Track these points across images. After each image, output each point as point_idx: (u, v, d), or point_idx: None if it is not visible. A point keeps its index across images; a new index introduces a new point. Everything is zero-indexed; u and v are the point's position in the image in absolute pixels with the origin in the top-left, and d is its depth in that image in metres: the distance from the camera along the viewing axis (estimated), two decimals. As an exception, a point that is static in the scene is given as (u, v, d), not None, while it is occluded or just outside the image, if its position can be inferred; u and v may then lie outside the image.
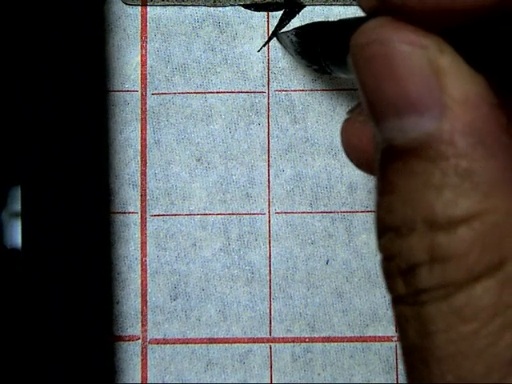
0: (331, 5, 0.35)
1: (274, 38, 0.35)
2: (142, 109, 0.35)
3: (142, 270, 0.35)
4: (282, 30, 0.34)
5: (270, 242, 0.35)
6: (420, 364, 0.18)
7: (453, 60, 0.18)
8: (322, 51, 0.29)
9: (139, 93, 0.35)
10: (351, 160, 0.27)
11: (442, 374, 0.18)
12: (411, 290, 0.18)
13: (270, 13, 0.35)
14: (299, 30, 0.32)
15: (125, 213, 0.35)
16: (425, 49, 0.18)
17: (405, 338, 0.19)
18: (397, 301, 0.19)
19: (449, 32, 0.18)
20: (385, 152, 0.19)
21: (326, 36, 0.29)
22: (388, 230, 0.19)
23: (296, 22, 0.35)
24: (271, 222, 0.35)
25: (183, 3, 0.35)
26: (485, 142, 0.17)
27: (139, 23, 0.35)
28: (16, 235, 0.34)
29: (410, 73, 0.18)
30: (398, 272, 0.19)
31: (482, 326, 0.17)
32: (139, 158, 0.35)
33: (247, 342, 0.35)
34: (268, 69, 0.35)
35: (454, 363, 0.18)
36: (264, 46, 0.35)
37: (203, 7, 0.35)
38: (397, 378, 0.35)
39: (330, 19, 0.35)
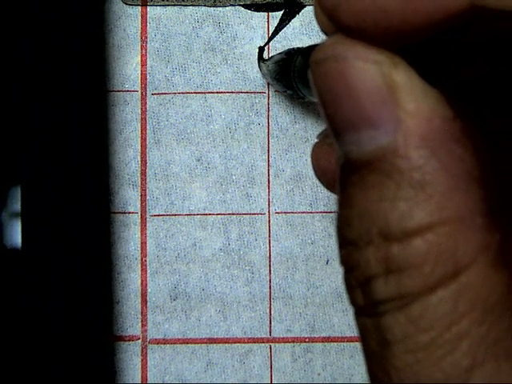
0: (331, 5, 0.35)
1: (275, 39, 0.35)
2: (141, 109, 0.35)
3: (141, 270, 0.35)
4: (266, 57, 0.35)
5: (269, 242, 0.35)
6: (380, 373, 0.19)
7: (406, 74, 0.18)
8: (293, 76, 0.30)
9: (139, 93, 0.35)
10: (321, 182, 0.28)
11: (401, 383, 0.18)
12: (369, 302, 0.19)
13: (270, 13, 0.36)
14: (277, 57, 0.33)
15: (125, 213, 0.35)
16: (379, 64, 0.18)
17: (366, 348, 0.19)
18: (357, 312, 0.19)
19: (403, 48, 0.18)
20: (343, 166, 0.19)
21: (296, 61, 0.30)
22: (347, 242, 0.19)
23: (296, 22, 0.35)
24: (271, 221, 0.35)
25: (183, 3, 0.35)
26: (438, 154, 0.18)
27: (139, 23, 0.35)
28: (16, 235, 0.34)
29: (364, 88, 0.18)
30: (357, 284, 0.19)
31: (438, 336, 0.18)
32: (139, 158, 0.35)
33: (247, 342, 0.35)
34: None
35: (413, 372, 0.18)
36: (265, 45, 0.35)
37: (203, 7, 0.35)
38: (397, 378, 0.35)
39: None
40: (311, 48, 0.25)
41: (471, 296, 0.18)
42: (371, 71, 0.18)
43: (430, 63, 0.20)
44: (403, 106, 0.18)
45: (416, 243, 0.18)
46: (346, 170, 0.19)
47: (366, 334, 0.19)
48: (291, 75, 0.30)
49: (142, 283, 0.35)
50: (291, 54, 0.32)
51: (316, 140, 0.28)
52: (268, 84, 0.35)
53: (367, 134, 0.18)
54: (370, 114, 0.18)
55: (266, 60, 0.34)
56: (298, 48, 0.33)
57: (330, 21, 0.19)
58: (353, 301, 0.19)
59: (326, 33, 0.20)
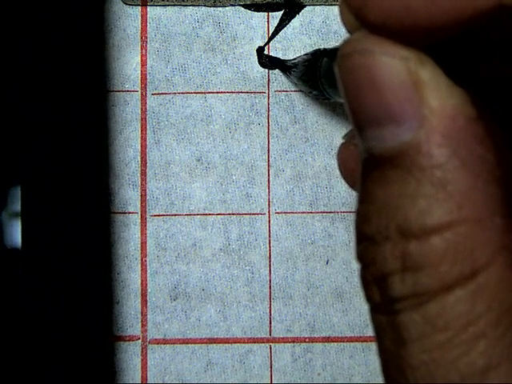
0: (331, 5, 0.35)
1: (275, 39, 0.35)
2: (142, 109, 0.35)
3: (142, 270, 0.35)
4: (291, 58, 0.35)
5: (269, 242, 0.35)
6: (395, 372, 0.18)
7: (433, 72, 0.18)
8: (319, 76, 0.30)
9: (139, 93, 0.35)
10: (347, 182, 0.28)
11: (416, 382, 0.18)
12: (385, 299, 0.19)
13: (270, 13, 0.36)
14: (302, 58, 0.33)
15: (125, 213, 0.35)
16: (405, 60, 0.18)
17: (381, 346, 0.19)
18: (373, 309, 0.19)
19: (429, 46, 0.19)
20: (365, 162, 0.19)
21: (322, 61, 0.30)
22: (364, 238, 0.19)
23: (296, 22, 0.35)
24: (271, 222, 0.36)
25: (183, 3, 0.35)
26: (460, 153, 0.18)
27: (139, 23, 0.35)
28: (16, 235, 0.34)
29: (390, 83, 0.18)
30: (373, 280, 0.19)
31: (454, 335, 0.18)
32: (139, 157, 0.35)
33: (247, 342, 0.35)
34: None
35: (428, 371, 0.18)
36: (265, 45, 0.35)
37: (203, 7, 0.35)
38: (397, 378, 0.35)
39: (329, 19, 0.35)
40: (337, 49, 0.25)
41: (488, 297, 0.18)
42: (397, 67, 0.18)
43: (456, 62, 0.20)
44: (428, 103, 0.18)
45: (434, 241, 0.18)
46: (368, 165, 0.19)
47: (381, 332, 0.19)
48: (317, 76, 0.30)
49: (141, 283, 0.35)
50: (317, 55, 0.32)
51: (342, 140, 0.28)
52: (268, 84, 0.35)
53: (390, 130, 0.19)
54: (395, 109, 0.18)
55: (291, 61, 0.34)
56: (325, 48, 0.33)
57: (357, 19, 0.19)
58: (368, 297, 0.19)
59: (350, 31, 0.20)
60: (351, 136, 0.27)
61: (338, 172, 0.35)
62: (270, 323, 0.35)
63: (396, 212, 0.18)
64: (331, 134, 0.35)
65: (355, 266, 0.35)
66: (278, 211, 0.35)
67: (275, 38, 0.35)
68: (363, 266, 0.20)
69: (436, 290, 0.18)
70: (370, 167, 0.19)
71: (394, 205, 0.19)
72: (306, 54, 0.33)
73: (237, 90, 0.35)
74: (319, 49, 0.33)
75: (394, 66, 0.18)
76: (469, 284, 0.18)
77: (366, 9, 0.18)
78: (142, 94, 0.35)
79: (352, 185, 0.28)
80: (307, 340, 0.35)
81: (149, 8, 0.35)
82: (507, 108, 0.21)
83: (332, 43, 0.35)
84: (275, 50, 0.35)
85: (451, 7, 0.17)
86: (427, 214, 0.18)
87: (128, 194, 0.35)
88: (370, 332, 0.36)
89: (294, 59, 0.34)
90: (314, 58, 0.32)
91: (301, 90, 0.35)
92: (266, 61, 0.35)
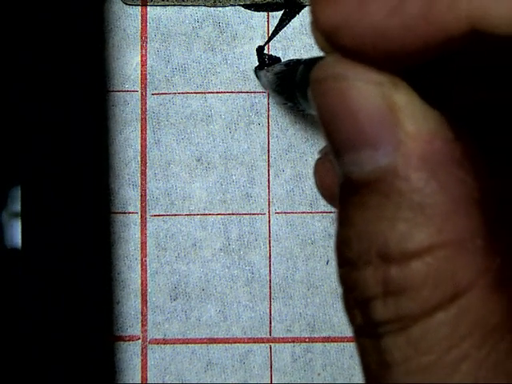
0: (331, 5, 0.35)
1: (275, 39, 0.35)
2: (142, 109, 0.36)
3: (142, 269, 0.35)
4: (267, 67, 0.34)
5: (269, 242, 0.36)
6: None
7: (407, 96, 0.18)
8: (295, 88, 0.30)
9: (139, 93, 0.36)
10: (325, 198, 0.28)
11: None
12: (368, 323, 0.19)
13: (270, 13, 0.36)
14: (276, 68, 0.33)
15: (125, 213, 0.35)
16: (379, 85, 0.18)
17: (366, 369, 0.19)
18: (357, 332, 0.19)
19: (404, 70, 0.19)
20: (343, 186, 0.19)
21: (298, 73, 0.30)
22: (345, 262, 0.19)
23: (296, 22, 0.35)
24: (271, 221, 0.36)
25: (183, 3, 0.35)
26: (438, 176, 0.18)
27: (139, 23, 0.36)
28: (16, 235, 0.35)
29: (365, 108, 0.18)
30: (356, 304, 0.19)
31: (438, 358, 0.18)
32: (139, 158, 0.35)
33: (247, 342, 0.35)
34: (268, 69, 0.36)
35: None
36: (265, 45, 0.35)
37: (203, 7, 0.36)
38: (397, 378, 0.35)
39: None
40: (313, 60, 0.25)
41: (471, 319, 0.18)
42: (372, 92, 0.18)
43: (431, 85, 0.20)
44: (403, 127, 0.18)
45: (415, 266, 0.18)
46: (346, 189, 0.19)
47: (365, 355, 0.19)
48: (293, 87, 0.30)
49: (142, 283, 0.35)
50: (291, 66, 0.32)
51: (318, 156, 0.28)
52: (268, 84, 0.35)
53: (367, 155, 0.19)
54: (370, 134, 0.18)
55: (265, 70, 0.34)
56: (298, 59, 0.33)
57: (329, 43, 0.19)
58: (352, 320, 0.19)
59: (324, 51, 0.20)
60: (326, 151, 0.28)
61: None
62: (270, 323, 0.35)
63: (376, 237, 0.18)
64: (331, 134, 0.36)
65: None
66: (277, 211, 0.36)
67: (275, 38, 0.36)
68: (345, 289, 0.20)
69: (418, 314, 0.18)
70: (348, 191, 0.19)
71: (373, 229, 0.19)
72: (279, 64, 0.33)
73: (237, 90, 0.36)
74: (293, 59, 0.33)
75: (368, 92, 0.19)
76: (451, 307, 0.18)
77: (338, 34, 0.18)
78: (141, 94, 0.35)
79: (330, 201, 0.28)
80: (307, 340, 0.35)
81: (149, 8, 0.35)
82: (484, 130, 0.21)
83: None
84: (275, 50, 0.35)
85: (423, 33, 0.17)
86: (407, 239, 0.18)
87: (128, 194, 0.35)
88: (369, 332, 0.36)
89: (269, 68, 0.34)
90: (288, 68, 0.32)
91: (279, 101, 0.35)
92: (266, 60, 0.35)
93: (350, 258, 0.19)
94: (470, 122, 0.20)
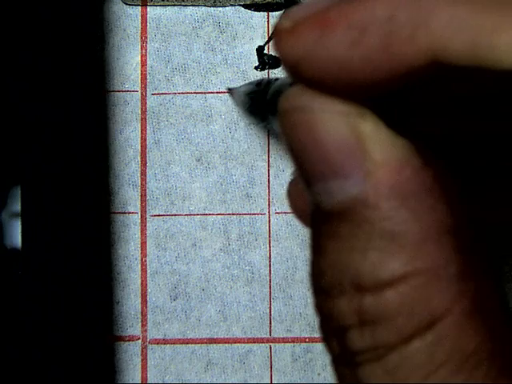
0: (331, 5, 0.36)
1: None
2: (142, 109, 0.36)
3: (142, 270, 0.36)
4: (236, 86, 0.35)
5: (269, 242, 0.36)
6: None
7: (374, 125, 0.18)
8: (266, 109, 0.30)
9: (139, 93, 0.36)
10: (299, 220, 0.28)
11: None
12: (346, 352, 0.19)
13: (270, 13, 0.36)
14: (248, 88, 0.33)
15: (125, 213, 0.36)
16: (345, 115, 0.18)
17: None
18: (335, 361, 0.19)
19: (370, 99, 0.19)
20: (314, 215, 0.19)
21: (269, 95, 0.30)
22: (320, 291, 0.19)
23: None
24: (271, 221, 0.36)
25: (183, 3, 0.36)
26: (408, 204, 0.18)
27: (139, 23, 0.36)
28: (16, 235, 0.35)
29: (332, 139, 0.18)
30: (333, 334, 0.19)
31: None
32: (139, 158, 0.36)
33: (247, 342, 0.36)
34: (268, 69, 0.36)
35: None
36: (264, 45, 0.35)
37: (203, 7, 0.36)
38: (397, 378, 0.36)
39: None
40: (284, 82, 0.25)
41: (447, 346, 0.18)
42: (338, 122, 0.18)
43: (398, 113, 0.20)
44: (372, 156, 0.18)
45: (389, 295, 0.18)
46: (318, 218, 0.19)
47: (343, 383, 0.19)
48: (264, 108, 0.30)
49: (142, 283, 0.36)
50: (263, 86, 0.32)
51: (291, 177, 0.28)
52: (268, 84, 0.35)
53: (337, 185, 0.19)
54: (339, 165, 0.19)
55: (237, 90, 0.34)
56: (269, 80, 0.33)
57: (293, 75, 0.19)
58: (329, 349, 0.20)
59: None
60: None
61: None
62: (270, 323, 0.36)
63: (349, 266, 0.18)
64: (331, 134, 0.36)
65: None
66: (278, 211, 0.36)
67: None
68: (321, 318, 0.20)
69: (394, 343, 0.18)
70: (319, 221, 0.19)
71: (346, 259, 0.19)
72: (251, 84, 0.33)
73: (237, 90, 0.36)
74: (264, 79, 0.33)
75: (334, 122, 0.19)
76: (427, 335, 0.18)
77: (301, 66, 0.18)
78: (142, 94, 0.36)
79: (304, 223, 0.28)
80: (307, 340, 0.36)
81: (149, 8, 0.36)
82: (454, 155, 0.21)
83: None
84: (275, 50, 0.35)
85: (384, 64, 0.18)
86: (380, 268, 0.18)
87: (128, 194, 0.35)
88: (369, 332, 0.36)
89: (239, 88, 0.34)
90: (259, 88, 0.32)
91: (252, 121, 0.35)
92: (265, 61, 0.35)
93: (325, 288, 0.19)
94: (439, 148, 0.20)
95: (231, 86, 0.36)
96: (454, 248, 0.18)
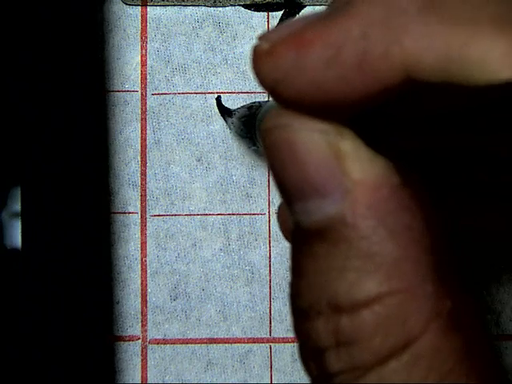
0: (331, 5, 0.36)
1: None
2: (142, 109, 0.36)
3: (142, 270, 0.36)
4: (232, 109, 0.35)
5: (269, 242, 0.36)
6: None
7: (353, 144, 0.19)
8: (256, 132, 0.30)
9: (139, 93, 0.36)
10: (287, 239, 0.28)
11: None
12: (323, 374, 0.19)
13: (270, 13, 0.36)
14: (240, 112, 0.33)
15: (125, 213, 0.36)
16: (324, 133, 0.19)
17: None
18: (313, 383, 0.20)
19: (348, 118, 0.19)
20: (294, 234, 0.20)
21: (257, 118, 0.30)
22: (298, 312, 0.20)
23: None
24: (271, 222, 0.36)
25: (183, 3, 0.36)
26: (386, 223, 0.19)
27: (139, 23, 0.36)
28: (16, 235, 0.35)
29: (311, 157, 0.19)
30: (310, 356, 0.20)
31: None
32: (139, 158, 0.36)
33: (247, 342, 0.36)
34: (268, 69, 0.36)
35: None
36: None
37: (203, 7, 0.36)
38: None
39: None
40: (271, 106, 0.25)
41: (425, 365, 0.18)
42: (317, 141, 0.19)
43: (376, 132, 0.20)
44: (350, 175, 0.19)
45: (364, 315, 0.18)
46: (297, 238, 0.20)
47: None
48: (254, 131, 0.30)
49: (142, 283, 0.36)
50: (253, 110, 0.32)
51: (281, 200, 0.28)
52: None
53: (315, 203, 0.19)
54: (317, 183, 0.19)
55: (231, 115, 0.34)
56: (260, 103, 0.33)
57: (272, 96, 0.19)
58: (308, 372, 0.20)
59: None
60: None
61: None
62: (270, 323, 0.36)
63: (326, 286, 0.19)
64: (331, 134, 0.36)
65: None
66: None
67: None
68: (299, 340, 0.20)
69: (371, 364, 0.19)
70: (298, 240, 0.20)
71: (323, 279, 0.19)
72: (243, 107, 0.33)
73: (237, 90, 0.36)
74: (255, 102, 0.33)
75: (313, 140, 0.19)
76: (403, 354, 0.18)
77: (279, 88, 0.19)
78: (142, 94, 0.36)
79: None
80: (307, 340, 0.36)
81: (149, 8, 0.36)
82: (431, 172, 0.21)
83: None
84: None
85: (360, 82, 0.19)
86: (356, 288, 0.19)
87: (128, 194, 0.36)
88: (369, 332, 0.36)
89: (235, 110, 0.34)
90: (251, 112, 0.32)
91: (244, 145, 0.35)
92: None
93: (302, 309, 0.20)
94: (417, 165, 0.20)
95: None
96: (431, 266, 0.19)
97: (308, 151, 0.19)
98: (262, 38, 0.20)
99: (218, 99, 0.36)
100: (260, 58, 0.19)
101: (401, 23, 0.18)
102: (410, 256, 0.18)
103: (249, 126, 0.32)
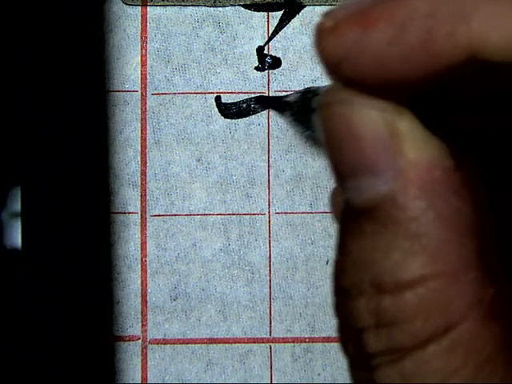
0: (331, 5, 0.36)
1: (275, 39, 0.36)
2: (142, 109, 0.36)
3: (142, 270, 0.36)
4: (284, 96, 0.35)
5: (269, 242, 0.36)
6: None
7: (410, 124, 0.19)
8: (311, 117, 0.30)
9: (139, 93, 0.36)
10: (338, 223, 0.28)
11: None
12: (362, 355, 0.19)
13: (269, 13, 0.36)
14: (292, 97, 0.34)
15: (125, 213, 0.36)
16: (382, 111, 0.19)
17: None
18: (350, 364, 0.20)
19: (406, 98, 0.19)
20: (343, 212, 0.20)
21: (313, 101, 0.30)
22: (340, 291, 0.20)
23: (296, 22, 0.36)
24: (271, 222, 0.36)
25: (183, 3, 0.36)
26: (435, 205, 0.19)
27: (139, 23, 0.36)
28: (16, 235, 0.35)
29: (367, 134, 0.19)
30: (349, 335, 0.20)
31: None
32: (139, 158, 0.36)
33: (247, 342, 0.36)
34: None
35: None
36: (264, 45, 0.36)
37: (203, 7, 0.36)
38: (397, 378, 0.36)
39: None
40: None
41: (463, 352, 0.18)
42: (374, 118, 0.19)
43: (433, 113, 0.20)
44: (405, 154, 0.19)
45: (407, 296, 0.18)
46: (346, 216, 0.20)
47: None
48: (309, 116, 0.31)
49: (142, 283, 0.36)
50: (308, 94, 0.32)
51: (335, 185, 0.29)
52: (268, 84, 0.36)
53: (367, 181, 0.19)
54: (371, 161, 0.19)
55: (285, 99, 0.34)
56: (315, 88, 0.33)
57: (333, 74, 0.19)
58: (345, 352, 0.20)
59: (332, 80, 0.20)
60: None
61: (338, 172, 0.35)
62: (270, 323, 0.36)
63: (370, 266, 0.19)
64: (331, 134, 0.36)
65: (355, 266, 0.36)
66: (277, 211, 0.36)
67: (275, 38, 0.36)
68: (339, 319, 0.20)
69: (410, 347, 0.18)
70: (347, 218, 0.20)
71: (368, 258, 0.19)
72: (297, 92, 0.34)
73: (237, 90, 0.36)
74: (310, 88, 0.33)
75: (371, 117, 0.19)
76: (443, 339, 0.18)
77: (342, 66, 0.19)
78: (142, 94, 0.36)
79: None
80: (307, 340, 0.36)
81: (149, 8, 0.36)
82: (485, 158, 0.21)
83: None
84: (275, 50, 0.36)
85: (423, 62, 0.18)
86: (401, 269, 0.19)
87: (128, 194, 0.36)
88: (369, 332, 0.36)
89: (287, 97, 0.34)
90: (305, 97, 0.32)
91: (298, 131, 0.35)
92: (265, 62, 0.36)
93: (345, 287, 0.20)
94: (472, 150, 0.20)
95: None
96: (476, 253, 0.19)
97: (365, 128, 0.19)
98: (326, 15, 0.20)
99: (218, 99, 0.37)
100: (323, 36, 0.19)
101: (469, 2, 0.18)
102: (456, 240, 0.18)
103: (303, 111, 0.32)
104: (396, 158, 0.19)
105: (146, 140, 0.38)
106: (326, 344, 0.38)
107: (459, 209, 0.19)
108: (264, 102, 0.36)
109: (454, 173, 0.19)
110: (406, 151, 0.19)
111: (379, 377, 0.19)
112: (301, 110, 0.33)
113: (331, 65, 0.19)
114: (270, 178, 0.37)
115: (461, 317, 0.18)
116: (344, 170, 0.20)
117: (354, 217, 0.19)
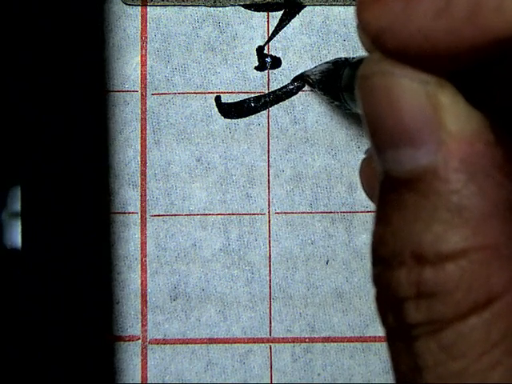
0: (331, 5, 0.36)
1: (275, 39, 0.36)
2: (141, 109, 0.36)
3: (141, 270, 0.36)
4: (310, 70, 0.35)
5: (269, 242, 0.36)
6: None
7: (452, 96, 0.19)
8: (340, 88, 0.30)
9: (139, 93, 0.36)
10: (370, 199, 0.28)
11: None
12: (401, 325, 0.19)
13: (270, 13, 0.36)
14: (321, 67, 0.34)
15: (125, 213, 0.36)
16: (425, 83, 0.19)
17: (397, 371, 0.20)
18: (389, 334, 0.20)
19: (448, 72, 0.19)
20: (382, 183, 0.20)
21: (344, 72, 0.30)
22: (379, 261, 0.20)
23: (296, 22, 0.36)
24: (271, 222, 0.36)
25: (183, 3, 0.36)
26: (477, 178, 0.19)
27: (139, 23, 0.36)
28: (16, 235, 0.35)
29: (409, 106, 0.19)
30: (388, 306, 0.20)
31: (470, 365, 0.18)
32: (139, 158, 0.36)
33: (247, 342, 0.36)
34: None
35: None
36: (264, 45, 0.36)
37: (203, 7, 0.36)
38: (397, 378, 0.36)
39: (329, 19, 0.36)
40: (360, 61, 0.25)
41: (503, 325, 0.18)
42: (417, 90, 0.19)
43: (476, 87, 0.20)
44: (446, 127, 0.19)
45: (449, 268, 0.19)
46: (385, 187, 0.20)
47: (397, 357, 0.20)
48: (338, 87, 0.31)
49: (142, 283, 0.36)
50: (338, 64, 0.32)
51: (364, 156, 0.29)
52: (268, 84, 0.36)
53: (408, 153, 0.19)
54: (413, 132, 0.19)
55: (311, 69, 0.34)
56: (346, 58, 0.33)
57: (374, 45, 0.19)
58: (384, 322, 0.20)
59: (370, 52, 0.20)
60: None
61: (337, 172, 0.35)
62: (270, 323, 0.36)
63: (411, 237, 0.19)
64: (331, 134, 0.36)
65: (355, 265, 0.36)
66: (277, 211, 0.36)
67: (275, 38, 0.36)
68: (378, 289, 0.21)
69: (451, 318, 0.19)
70: (387, 189, 0.20)
71: (409, 229, 0.19)
72: (326, 63, 0.34)
73: (237, 90, 0.36)
74: (340, 58, 0.33)
75: (413, 89, 0.19)
76: (484, 312, 0.18)
77: (384, 37, 0.19)
78: (142, 94, 0.36)
79: (374, 202, 0.28)
80: (307, 340, 0.36)
81: (149, 8, 0.36)
82: None
83: (332, 43, 0.36)
84: (275, 50, 0.36)
85: (470, 36, 0.18)
86: (442, 241, 0.19)
87: (128, 194, 0.36)
88: (370, 332, 0.36)
89: (315, 67, 0.34)
90: (335, 67, 0.32)
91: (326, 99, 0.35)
92: (264, 63, 0.36)
93: (384, 258, 0.20)
94: None
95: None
96: None
97: (407, 99, 0.19)
98: None
99: (218, 99, 0.37)
100: (366, 5, 0.19)
101: None
102: (497, 214, 0.18)
103: (332, 80, 0.32)
104: (437, 130, 0.19)
105: (145, 140, 0.38)
106: (325, 344, 0.38)
107: (501, 183, 0.19)
108: (299, 77, 0.36)
109: (495, 147, 0.19)
110: (447, 124, 0.19)
111: (418, 347, 0.19)
112: (328, 79, 0.33)
113: (373, 35, 0.19)
114: (270, 178, 0.38)
115: (502, 290, 0.18)
116: (384, 142, 0.20)
117: (395, 188, 0.20)
